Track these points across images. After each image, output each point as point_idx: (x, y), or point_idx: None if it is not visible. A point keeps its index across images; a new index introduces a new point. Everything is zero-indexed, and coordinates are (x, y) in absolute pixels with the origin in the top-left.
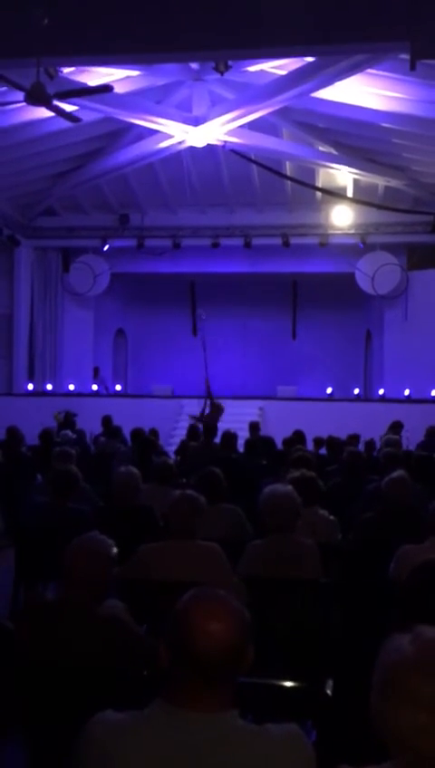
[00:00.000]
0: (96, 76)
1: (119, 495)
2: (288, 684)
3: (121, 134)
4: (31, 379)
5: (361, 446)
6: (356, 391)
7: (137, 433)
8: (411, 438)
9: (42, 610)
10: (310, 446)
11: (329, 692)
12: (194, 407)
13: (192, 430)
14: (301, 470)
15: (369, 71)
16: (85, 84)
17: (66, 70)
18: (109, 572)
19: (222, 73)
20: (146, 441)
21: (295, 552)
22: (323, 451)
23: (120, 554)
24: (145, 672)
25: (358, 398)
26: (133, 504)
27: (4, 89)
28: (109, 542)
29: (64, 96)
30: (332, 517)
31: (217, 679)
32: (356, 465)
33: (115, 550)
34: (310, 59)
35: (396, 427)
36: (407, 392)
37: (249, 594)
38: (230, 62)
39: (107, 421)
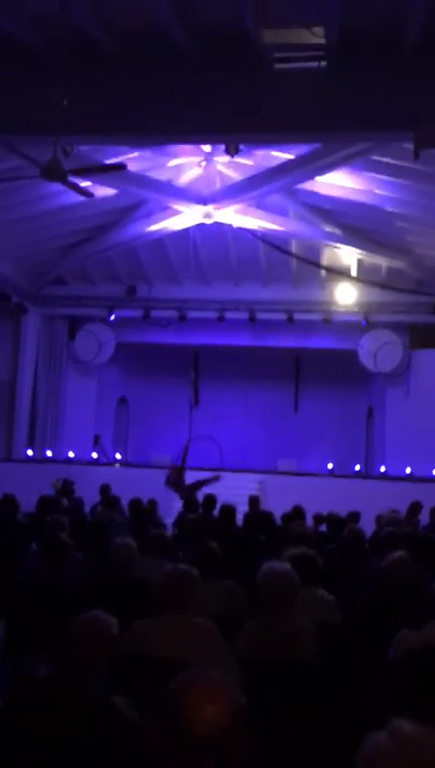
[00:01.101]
0: (110, 153)
1: (114, 568)
2: None
3: (132, 210)
4: (31, 446)
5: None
6: (357, 467)
7: (134, 503)
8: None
9: (32, 689)
10: (310, 521)
11: None
12: (194, 478)
13: (190, 502)
14: (301, 548)
15: (373, 156)
16: (100, 160)
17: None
18: (108, 652)
19: (233, 155)
20: (143, 512)
21: (292, 632)
22: (322, 528)
23: None
24: (136, 753)
25: (359, 475)
26: (129, 576)
27: (19, 162)
28: (112, 622)
29: (78, 173)
30: (330, 597)
31: (209, 764)
32: (356, 544)
33: (115, 630)
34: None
35: (415, 508)
36: (408, 470)
37: (244, 676)
38: (241, 146)
39: (105, 491)
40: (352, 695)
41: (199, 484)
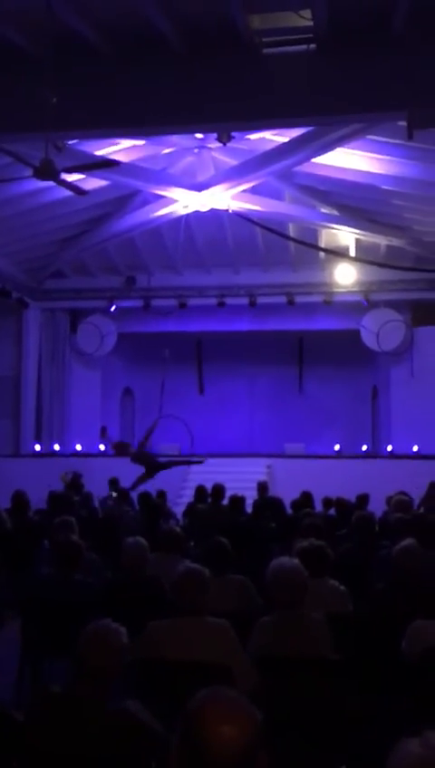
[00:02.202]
0: (102, 145)
1: (127, 568)
2: None
3: (127, 200)
4: (38, 440)
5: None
6: (364, 448)
7: (144, 497)
8: (421, 495)
9: (51, 705)
10: (318, 506)
11: None
12: (204, 465)
13: (200, 493)
14: (310, 540)
15: (368, 136)
16: (92, 153)
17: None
18: (121, 662)
19: (225, 144)
20: (154, 506)
21: (304, 629)
22: (332, 512)
23: (129, 629)
24: (153, 764)
25: (366, 455)
26: (141, 576)
27: (11, 161)
28: (121, 631)
29: (71, 170)
30: (342, 587)
31: None
32: (366, 531)
33: (126, 639)
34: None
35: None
36: (415, 448)
37: (260, 673)
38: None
39: (114, 483)
40: (367, 689)
41: (163, 466)
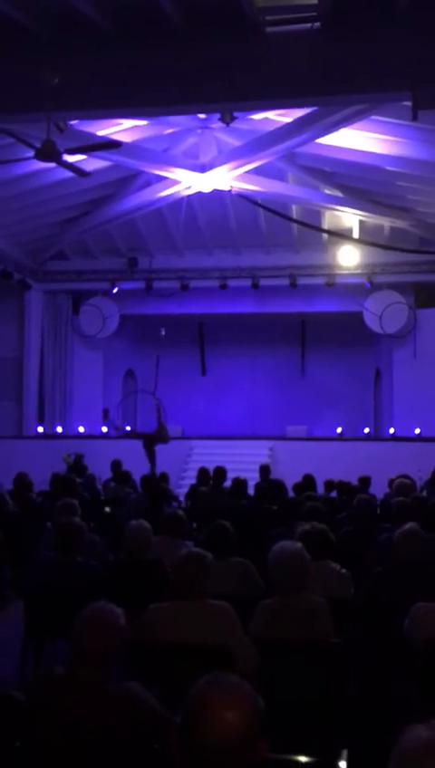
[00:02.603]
0: (105, 125)
1: (130, 550)
2: (302, 759)
3: (129, 181)
4: (41, 422)
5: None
6: (366, 430)
7: (147, 479)
8: (425, 479)
9: (52, 686)
10: (320, 489)
11: (344, 765)
12: (206, 447)
13: (202, 475)
14: (311, 523)
15: (372, 116)
16: (94, 134)
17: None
18: (119, 644)
19: (228, 124)
20: (157, 489)
21: (306, 612)
22: (333, 494)
23: (130, 611)
24: (156, 746)
25: (368, 438)
26: (144, 558)
27: (13, 141)
28: (117, 612)
29: (73, 152)
30: (344, 570)
31: None
32: (367, 514)
33: (123, 620)
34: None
35: None
36: (417, 431)
37: (260, 656)
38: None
39: (116, 466)
40: (369, 672)
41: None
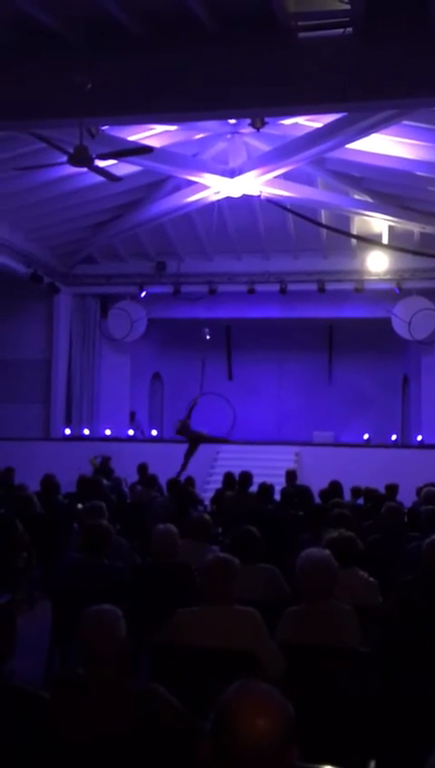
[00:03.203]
0: (136, 130)
1: (157, 554)
2: None
3: (159, 185)
4: (68, 424)
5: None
6: (394, 437)
7: (173, 483)
8: None
9: (75, 685)
10: (347, 495)
11: None
12: (232, 452)
13: (228, 480)
14: (339, 530)
15: (403, 121)
16: (125, 139)
17: None
18: (125, 641)
19: (258, 129)
20: (184, 493)
21: (333, 619)
22: (360, 501)
23: (157, 615)
24: (183, 750)
25: (396, 445)
26: (171, 562)
27: (45, 146)
28: (116, 613)
29: (106, 157)
30: (371, 579)
31: None
32: (395, 522)
33: (122, 617)
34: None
35: None
36: None
37: (287, 662)
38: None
39: (143, 469)
40: (395, 680)
41: (204, 439)
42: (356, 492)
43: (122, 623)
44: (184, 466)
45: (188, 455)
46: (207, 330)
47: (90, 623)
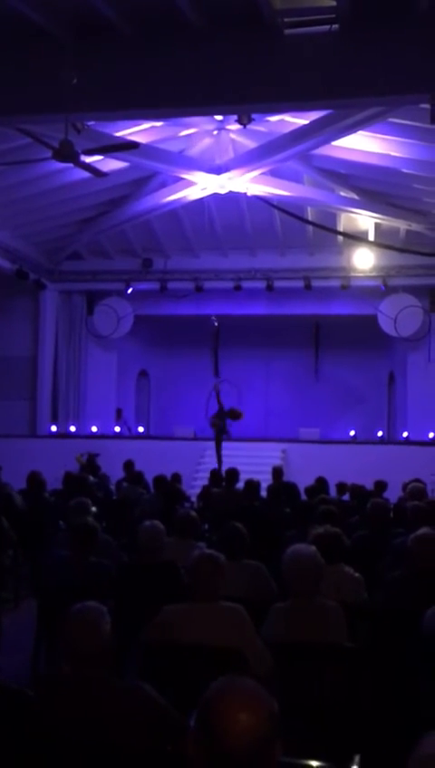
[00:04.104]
0: (122, 126)
1: (143, 551)
2: (314, 763)
3: (145, 182)
4: (54, 421)
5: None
6: (380, 434)
7: (160, 480)
8: None
9: (60, 684)
10: (333, 491)
11: None
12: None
13: (214, 477)
14: (325, 526)
15: (389, 119)
16: (111, 135)
17: None
18: (110, 638)
19: (245, 125)
20: (171, 490)
21: (319, 616)
22: (345, 497)
23: (144, 612)
24: (169, 747)
25: (382, 441)
26: (158, 559)
27: (31, 141)
28: (101, 610)
29: (91, 153)
30: (357, 575)
31: None
32: (381, 518)
33: (108, 615)
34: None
35: None
36: (431, 434)
37: (273, 659)
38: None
39: (129, 466)
40: (381, 676)
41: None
42: (342, 488)
43: (107, 620)
44: (220, 458)
45: (219, 445)
46: (214, 317)
47: (74, 620)
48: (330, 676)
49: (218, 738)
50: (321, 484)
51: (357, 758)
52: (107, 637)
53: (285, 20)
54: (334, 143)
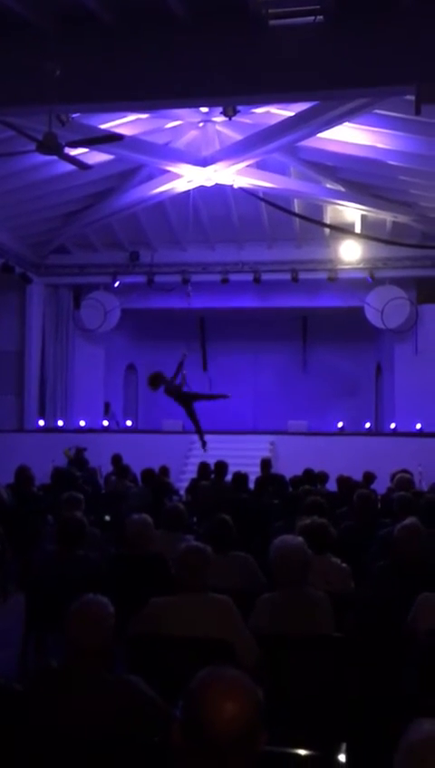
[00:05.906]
0: (107, 118)
1: (131, 544)
2: (301, 752)
3: (131, 174)
4: (42, 416)
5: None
6: (367, 425)
7: (147, 474)
8: (426, 474)
9: (50, 679)
10: (332, 485)
11: (343, 758)
12: (207, 441)
13: (203, 469)
14: (312, 517)
15: (375, 110)
16: (96, 127)
17: None
18: (112, 633)
19: (230, 117)
20: (159, 483)
21: (307, 606)
22: (329, 486)
23: (131, 605)
24: (156, 738)
25: (369, 432)
26: (146, 552)
27: (14, 134)
28: (106, 603)
29: (75, 145)
30: (344, 565)
31: (231, 761)
32: (368, 509)
33: (112, 609)
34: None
35: None
36: (419, 426)
37: (261, 649)
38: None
39: (117, 460)
40: (368, 665)
41: (204, 396)
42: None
43: (111, 614)
44: (199, 431)
45: (192, 417)
46: (190, 288)
47: (78, 614)
48: (317, 666)
49: (204, 727)
50: (308, 475)
51: (343, 746)
52: (109, 633)
53: (270, 11)
54: (321, 135)
